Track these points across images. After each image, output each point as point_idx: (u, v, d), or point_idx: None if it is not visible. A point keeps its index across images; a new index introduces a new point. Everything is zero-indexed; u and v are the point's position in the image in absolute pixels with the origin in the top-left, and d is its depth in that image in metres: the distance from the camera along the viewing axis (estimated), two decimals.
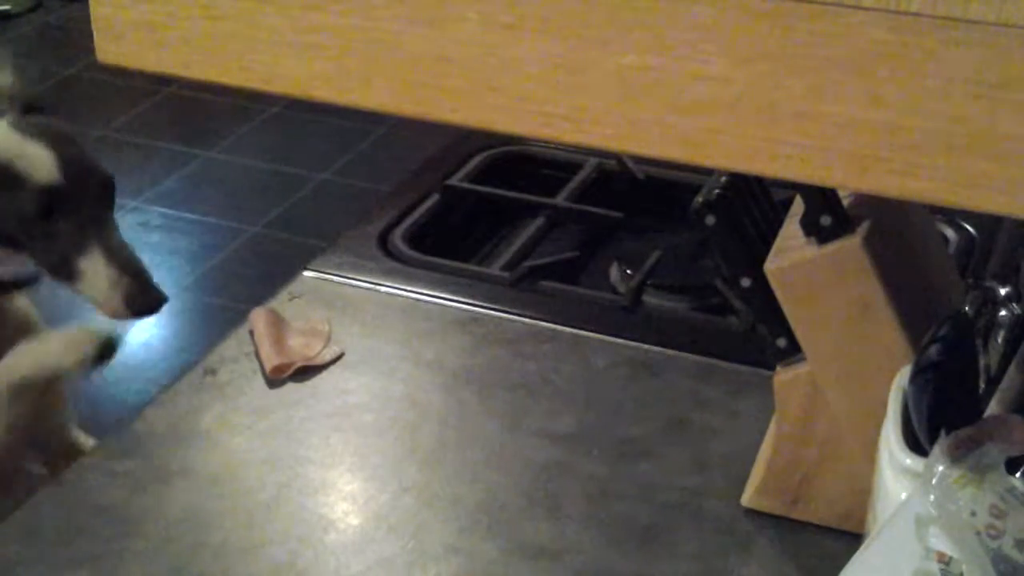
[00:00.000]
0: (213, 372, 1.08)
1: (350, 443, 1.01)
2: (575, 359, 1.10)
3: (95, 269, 1.20)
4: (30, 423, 1.20)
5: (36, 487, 1.05)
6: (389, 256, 1.26)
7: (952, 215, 1.29)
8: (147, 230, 2.95)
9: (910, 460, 0.68)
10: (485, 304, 1.18)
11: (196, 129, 3.42)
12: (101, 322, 1.22)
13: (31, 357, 1.22)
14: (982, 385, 0.76)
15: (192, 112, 3.50)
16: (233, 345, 1.12)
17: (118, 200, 1.26)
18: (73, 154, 1.21)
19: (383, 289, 1.21)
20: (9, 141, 1.19)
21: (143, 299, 1.21)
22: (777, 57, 0.46)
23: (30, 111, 1.26)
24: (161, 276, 3.06)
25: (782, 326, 0.85)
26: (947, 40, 0.43)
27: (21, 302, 1.32)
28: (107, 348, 1.20)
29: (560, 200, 1.39)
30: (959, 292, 0.90)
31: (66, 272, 1.21)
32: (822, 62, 0.45)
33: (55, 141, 1.20)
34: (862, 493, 0.77)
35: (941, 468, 0.61)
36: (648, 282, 1.22)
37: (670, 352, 1.11)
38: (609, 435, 1.01)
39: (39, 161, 1.18)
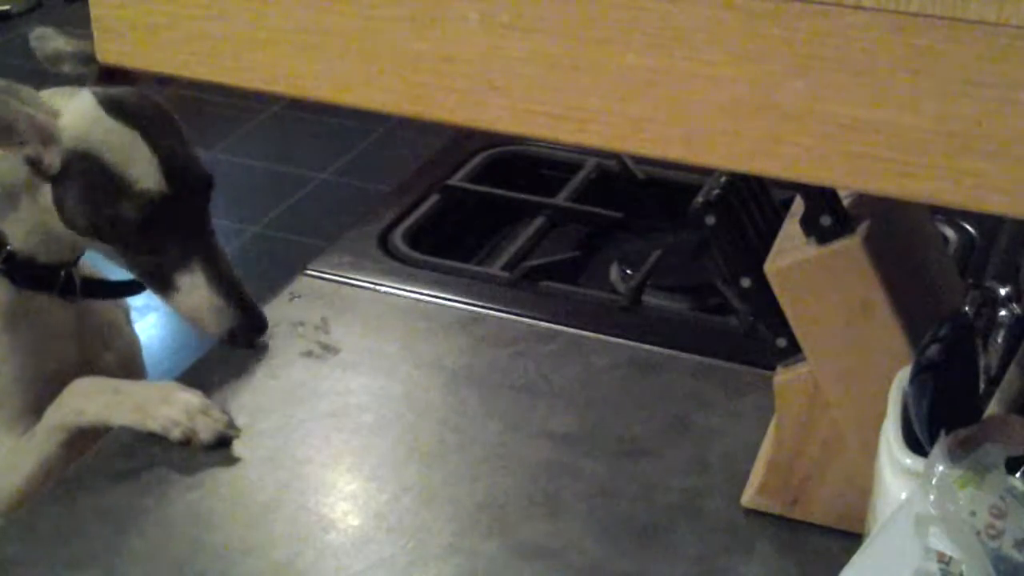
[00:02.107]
0: (212, 373, 1.08)
1: (350, 443, 1.01)
2: (575, 359, 1.10)
3: (196, 288, 1.10)
4: (66, 464, 1.06)
5: None
6: (389, 256, 1.27)
7: (952, 215, 1.29)
8: None
9: (910, 460, 0.68)
10: (485, 304, 1.18)
11: (196, 129, 3.41)
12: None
13: (105, 406, 1.05)
14: (982, 385, 0.76)
15: (192, 112, 3.49)
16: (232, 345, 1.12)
17: None
18: (176, 151, 1.09)
19: (383, 289, 1.21)
20: (100, 128, 1.07)
21: (245, 330, 1.11)
22: (777, 57, 0.46)
23: (112, 77, 1.12)
24: None
25: (782, 326, 0.85)
26: (947, 40, 0.43)
27: (122, 317, 1.27)
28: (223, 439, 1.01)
29: (560, 200, 1.39)
30: (959, 292, 0.90)
31: (163, 285, 1.11)
32: (822, 62, 0.45)
33: (155, 131, 1.09)
34: (862, 493, 0.77)
35: (941, 468, 0.61)
36: (648, 282, 1.22)
37: (670, 352, 1.11)
38: (609, 435, 1.01)
39: (143, 162, 1.07)
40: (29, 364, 1.15)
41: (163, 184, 1.07)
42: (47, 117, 1.06)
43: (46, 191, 1.09)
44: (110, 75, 1.12)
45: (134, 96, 1.11)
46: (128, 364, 1.26)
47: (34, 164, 1.07)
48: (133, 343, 1.29)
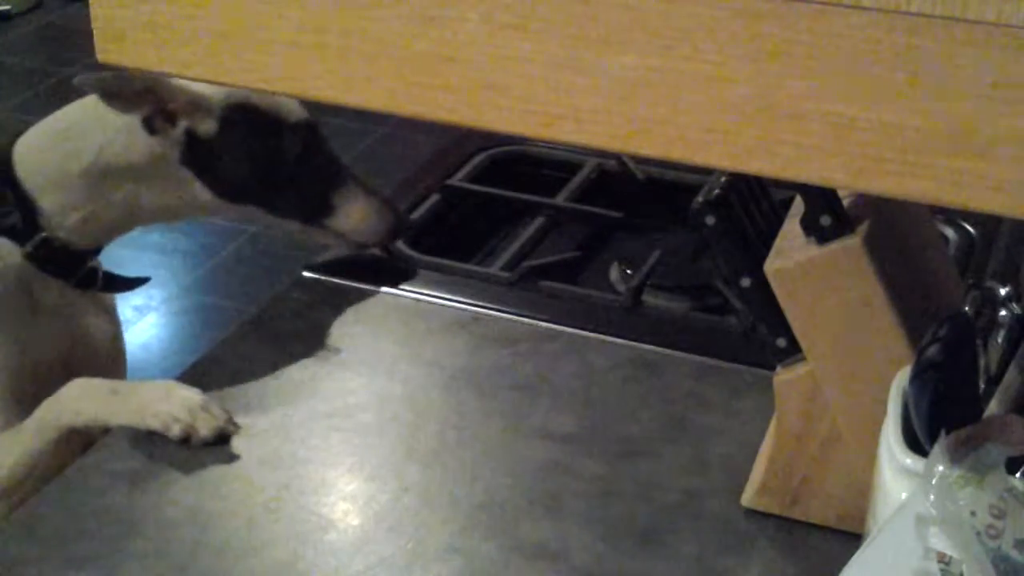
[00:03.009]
0: (212, 373, 1.08)
1: (350, 443, 1.01)
2: (575, 359, 1.10)
3: (354, 201, 1.20)
4: (56, 465, 1.07)
5: None
6: (389, 256, 1.27)
7: (952, 215, 1.29)
8: (147, 230, 2.93)
9: (910, 460, 0.68)
10: (485, 304, 1.18)
11: None
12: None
13: (104, 406, 1.05)
14: (982, 385, 0.76)
15: None
16: (232, 346, 1.12)
17: None
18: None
19: (383, 289, 1.21)
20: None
21: (397, 222, 1.23)
22: (778, 57, 0.46)
23: None
24: (161, 276, 3.07)
25: (782, 326, 0.85)
26: (947, 40, 0.43)
27: (111, 308, 1.29)
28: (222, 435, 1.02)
29: (560, 200, 1.39)
30: (959, 292, 0.90)
31: (320, 211, 1.20)
32: (822, 62, 0.45)
33: None
34: (862, 493, 0.77)
35: (941, 468, 0.61)
36: (648, 282, 1.22)
37: (670, 352, 1.11)
38: (609, 435, 1.01)
39: (284, 100, 1.17)
40: (15, 355, 1.16)
41: (307, 115, 1.18)
42: (194, 87, 1.12)
43: (174, 170, 1.14)
44: None
45: None
46: (115, 360, 1.28)
47: (191, 135, 1.13)
48: (119, 339, 1.31)
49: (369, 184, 1.23)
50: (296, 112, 1.18)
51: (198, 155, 1.14)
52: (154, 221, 1.21)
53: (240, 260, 2.86)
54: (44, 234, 1.15)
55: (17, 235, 1.15)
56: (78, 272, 1.19)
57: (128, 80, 1.08)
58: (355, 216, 1.21)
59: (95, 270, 1.21)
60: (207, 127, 1.13)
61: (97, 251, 1.21)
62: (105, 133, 1.14)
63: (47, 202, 1.15)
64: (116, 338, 1.29)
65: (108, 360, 1.26)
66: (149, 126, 1.11)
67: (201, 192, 1.16)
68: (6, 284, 1.15)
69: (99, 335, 1.25)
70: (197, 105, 1.12)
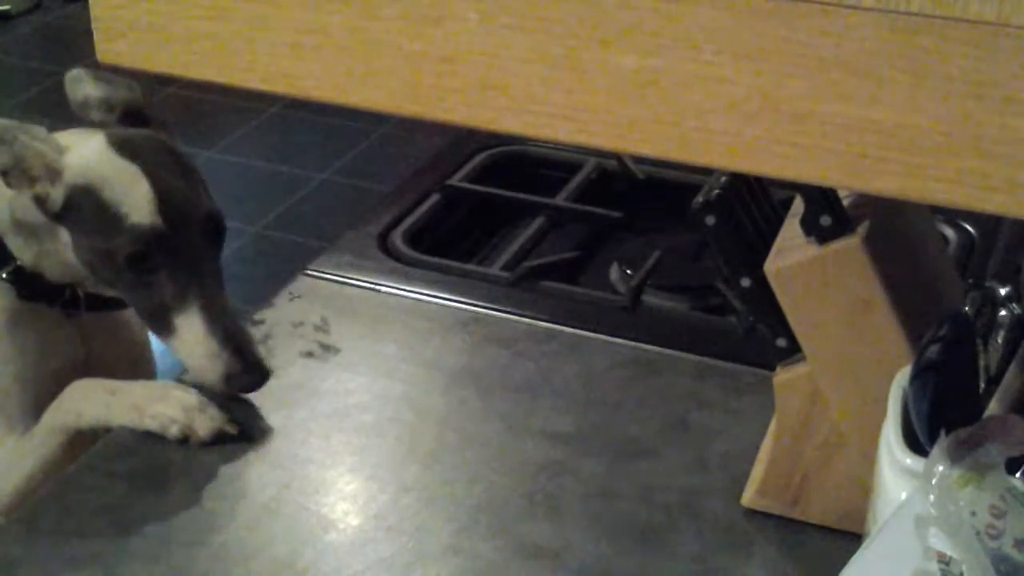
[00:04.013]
0: None
1: (350, 443, 1.01)
2: (575, 359, 1.10)
3: (192, 331, 1.06)
4: (66, 465, 1.05)
5: None
6: (389, 256, 1.27)
7: (952, 215, 1.29)
8: None
9: (910, 460, 0.68)
10: (485, 304, 1.18)
11: (196, 129, 3.42)
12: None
13: (103, 407, 1.04)
14: (982, 385, 0.76)
15: (192, 112, 3.50)
16: None
17: None
18: (177, 189, 1.07)
19: (383, 289, 1.21)
20: (103, 164, 1.06)
21: (244, 380, 1.05)
22: (778, 57, 0.46)
23: (133, 121, 1.12)
24: None
25: (782, 326, 0.85)
26: (947, 40, 0.43)
27: (127, 315, 1.25)
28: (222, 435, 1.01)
29: (560, 200, 1.39)
30: (959, 292, 0.90)
31: (162, 325, 1.07)
32: (822, 62, 0.45)
33: (155, 167, 1.07)
34: (862, 493, 0.77)
35: (941, 468, 0.61)
36: (648, 282, 1.22)
37: (670, 352, 1.11)
38: (609, 435, 1.01)
39: (138, 197, 1.05)
40: (31, 364, 1.15)
41: (157, 220, 1.05)
42: (54, 154, 1.06)
43: (63, 230, 1.09)
44: (132, 118, 1.12)
45: (146, 136, 1.11)
46: (137, 361, 1.26)
47: (40, 202, 1.07)
48: (141, 340, 1.28)
49: (228, 321, 1.07)
50: (140, 215, 1.04)
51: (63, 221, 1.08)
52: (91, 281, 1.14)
53: (240, 260, 2.86)
54: (17, 262, 1.12)
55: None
56: (58, 299, 1.15)
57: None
58: (188, 349, 1.06)
59: (76, 294, 1.17)
60: (54, 200, 1.06)
61: (74, 282, 1.16)
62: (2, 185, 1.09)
63: (8, 238, 1.13)
64: (134, 351, 1.26)
65: (131, 359, 1.25)
66: (5, 179, 1.06)
67: (71, 255, 1.09)
68: (12, 297, 1.15)
69: (116, 350, 1.23)
70: (51, 174, 1.06)
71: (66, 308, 1.16)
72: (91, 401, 1.05)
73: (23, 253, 1.13)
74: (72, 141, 1.08)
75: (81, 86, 1.13)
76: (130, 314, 1.25)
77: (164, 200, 1.05)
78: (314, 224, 2.98)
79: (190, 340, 1.06)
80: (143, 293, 1.07)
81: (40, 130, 1.08)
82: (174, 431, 0.99)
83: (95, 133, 1.09)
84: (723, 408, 1.03)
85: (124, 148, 1.07)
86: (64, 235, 1.09)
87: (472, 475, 0.97)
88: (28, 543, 0.90)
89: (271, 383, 1.07)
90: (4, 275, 1.13)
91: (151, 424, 1.00)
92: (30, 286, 1.13)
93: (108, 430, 1.03)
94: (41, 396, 1.13)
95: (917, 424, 0.68)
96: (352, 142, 3.36)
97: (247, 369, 1.05)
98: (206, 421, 1.00)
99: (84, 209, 1.06)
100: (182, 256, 1.06)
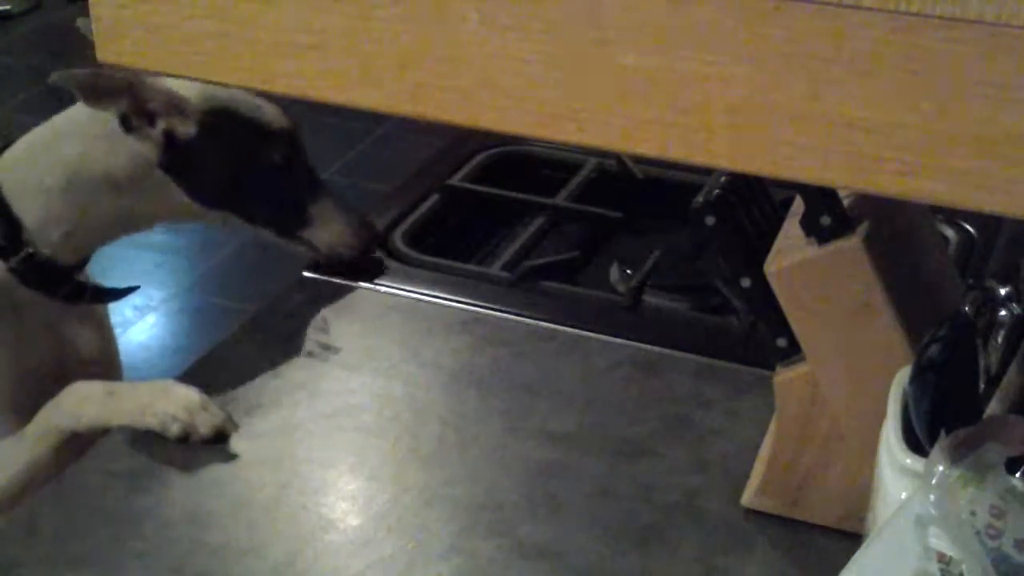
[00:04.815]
0: (212, 373, 1.08)
1: (350, 443, 1.01)
2: (575, 359, 1.10)
3: (330, 214, 1.20)
4: (57, 470, 1.06)
5: None
6: (389, 256, 1.27)
7: (952, 215, 1.29)
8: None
9: (910, 460, 0.68)
10: (485, 304, 1.18)
11: None
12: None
13: (103, 408, 1.05)
14: (982, 385, 0.76)
15: None
16: (232, 346, 1.12)
17: None
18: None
19: (383, 289, 1.21)
20: (218, 89, 1.13)
21: (372, 237, 1.23)
22: (777, 57, 0.46)
23: None
24: (161, 276, 3.06)
25: (782, 326, 0.85)
26: (947, 40, 0.43)
27: (100, 313, 1.27)
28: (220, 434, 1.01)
29: (560, 200, 1.39)
30: (959, 292, 0.90)
31: (295, 223, 1.19)
32: (822, 62, 0.45)
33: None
34: (862, 493, 0.77)
35: (941, 468, 0.61)
36: (648, 282, 1.22)
37: (670, 352, 1.11)
38: (609, 435, 1.01)
39: (266, 107, 1.16)
40: (10, 364, 1.15)
41: (289, 123, 1.17)
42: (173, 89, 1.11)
43: (153, 176, 1.13)
44: None
45: None
46: (107, 363, 1.27)
47: (169, 138, 1.11)
48: (111, 342, 1.30)
49: (343, 197, 1.24)
50: (278, 120, 1.17)
51: (176, 158, 1.13)
52: (135, 231, 1.20)
53: (240, 260, 2.86)
54: (29, 250, 1.13)
55: (1, 251, 1.14)
56: (64, 287, 1.17)
57: (106, 77, 1.07)
58: (331, 230, 1.20)
59: (81, 284, 1.19)
60: (186, 129, 1.11)
61: (82, 265, 1.20)
62: (85, 142, 1.12)
63: (30, 217, 1.13)
64: (107, 350, 1.28)
65: (100, 371, 1.25)
66: (126, 124, 1.10)
67: (179, 197, 1.15)
68: None
69: (89, 347, 1.24)
70: (176, 106, 1.11)
71: (69, 299, 1.17)
72: (90, 403, 1.05)
73: (49, 232, 1.13)
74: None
75: None
76: (101, 314, 1.27)
77: (280, 107, 1.17)
78: None
79: (332, 223, 1.20)
80: (278, 196, 1.18)
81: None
82: (175, 429, 0.99)
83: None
84: (723, 408, 1.03)
85: None
86: (163, 181, 1.13)
87: (472, 475, 0.97)
88: (28, 543, 0.90)
89: (271, 383, 1.07)
90: (13, 264, 1.13)
91: (151, 422, 1.00)
92: (38, 274, 1.14)
93: (105, 431, 1.03)
94: (22, 396, 1.14)
95: (917, 424, 0.68)
96: (352, 142, 3.36)
97: (368, 227, 1.23)
98: (206, 418, 1.00)
99: (223, 128, 1.13)
100: (304, 156, 1.19)
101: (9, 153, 1.15)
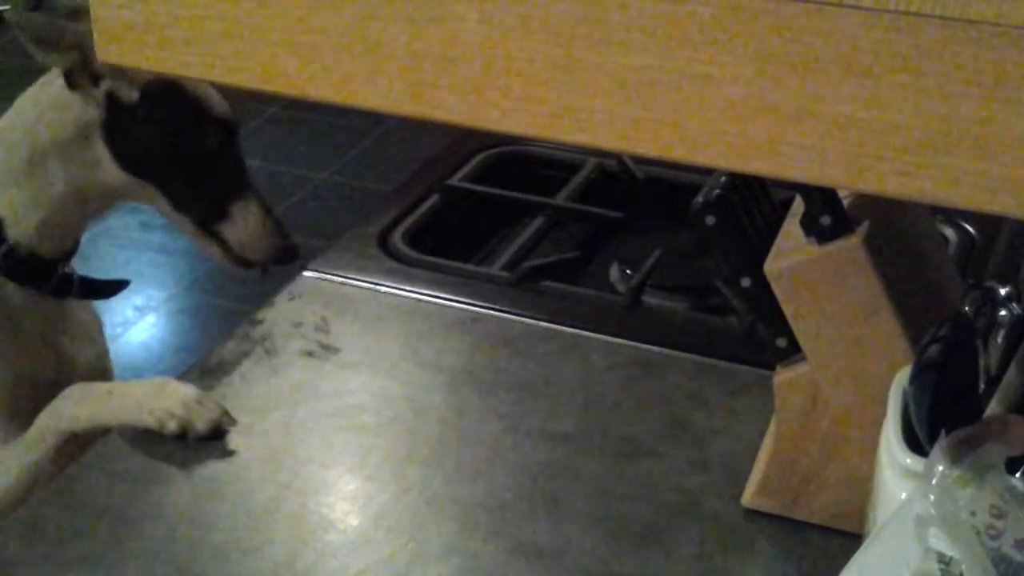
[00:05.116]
0: (212, 373, 1.08)
1: (350, 443, 1.01)
2: (575, 359, 1.10)
3: (249, 215, 1.21)
4: (57, 472, 1.07)
5: None
6: (389, 256, 1.27)
7: (952, 215, 1.29)
8: (147, 230, 2.95)
9: (910, 460, 0.68)
10: (485, 304, 1.18)
11: None
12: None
13: (100, 408, 1.05)
14: (982, 385, 0.76)
15: None
16: (232, 346, 1.12)
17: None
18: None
19: (383, 289, 1.21)
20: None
21: (289, 254, 1.24)
22: (777, 57, 0.46)
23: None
24: (161, 276, 3.06)
25: (782, 326, 0.85)
26: (947, 40, 0.43)
27: (94, 322, 1.28)
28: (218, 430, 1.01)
29: (560, 200, 1.39)
30: (959, 292, 0.90)
31: (215, 216, 1.20)
32: (822, 62, 0.45)
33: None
34: (862, 493, 0.77)
35: (941, 468, 0.61)
36: (648, 282, 1.22)
37: (670, 352, 1.11)
38: (609, 435, 1.01)
39: (211, 93, 1.17)
40: (8, 371, 1.15)
41: (232, 115, 1.17)
42: None
43: (94, 141, 1.13)
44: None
45: None
46: (102, 371, 1.27)
47: (111, 100, 1.12)
48: (103, 346, 1.30)
49: (268, 205, 1.24)
50: (221, 106, 1.18)
51: (114, 122, 1.14)
52: (96, 213, 1.20)
53: None
54: (10, 243, 1.14)
55: None
56: (50, 279, 1.18)
57: (58, 27, 1.08)
58: (247, 231, 1.21)
59: (68, 276, 1.20)
60: (128, 94, 1.13)
61: (66, 257, 1.20)
62: (37, 109, 1.14)
63: (5, 208, 1.15)
64: (101, 357, 1.28)
65: (95, 364, 1.26)
66: (70, 80, 1.11)
67: (110, 167, 1.15)
68: None
69: (84, 355, 1.24)
70: (123, 70, 1.11)
71: (57, 293, 1.17)
72: (87, 404, 1.06)
73: (24, 221, 1.14)
74: None
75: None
76: (93, 318, 1.27)
77: (225, 97, 1.18)
78: (314, 224, 2.98)
79: (251, 222, 1.21)
80: (204, 183, 1.18)
81: None
82: (172, 426, 0.99)
83: None
84: (723, 408, 1.03)
85: None
86: (100, 148, 1.13)
87: (472, 475, 0.97)
88: (28, 543, 0.90)
89: (271, 383, 1.07)
90: None
91: (149, 420, 1.00)
92: (23, 267, 1.14)
93: (105, 432, 1.03)
94: (18, 400, 1.14)
95: (917, 424, 0.68)
96: (352, 142, 3.36)
97: (289, 246, 1.24)
98: (204, 414, 1.00)
99: (165, 99, 1.14)
100: (239, 150, 1.20)
101: None
